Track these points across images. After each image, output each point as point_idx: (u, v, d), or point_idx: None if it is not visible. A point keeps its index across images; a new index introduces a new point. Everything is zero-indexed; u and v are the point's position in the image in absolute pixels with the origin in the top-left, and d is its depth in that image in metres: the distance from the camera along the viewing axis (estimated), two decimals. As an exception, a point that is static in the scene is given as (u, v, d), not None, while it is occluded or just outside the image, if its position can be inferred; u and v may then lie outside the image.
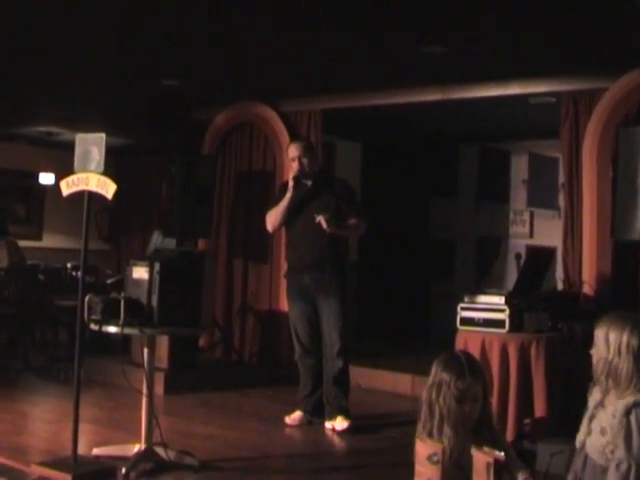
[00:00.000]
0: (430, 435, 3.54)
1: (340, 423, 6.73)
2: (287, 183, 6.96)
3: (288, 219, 6.93)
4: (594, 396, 3.58)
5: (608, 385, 3.49)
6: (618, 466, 3.31)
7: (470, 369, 3.57)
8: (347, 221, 6.79)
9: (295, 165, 6.90)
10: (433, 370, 3.64)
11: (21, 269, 9.89)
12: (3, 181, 12.62)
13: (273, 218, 6.99)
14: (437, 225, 12.45)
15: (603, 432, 3.40)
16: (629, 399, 3.38)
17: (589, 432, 3.48)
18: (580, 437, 3.54)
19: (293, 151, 6.98)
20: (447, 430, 3.52)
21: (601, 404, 3.50)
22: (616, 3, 5.72)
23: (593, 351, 3.56)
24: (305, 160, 6.88)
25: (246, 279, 9.68)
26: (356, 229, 6.92)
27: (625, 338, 3.43)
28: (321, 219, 6.59)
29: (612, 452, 3.35)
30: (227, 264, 9.75)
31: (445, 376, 3.56)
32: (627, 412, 3.36)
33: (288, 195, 6.84)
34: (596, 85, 7.45)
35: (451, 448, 3.45)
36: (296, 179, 6.84)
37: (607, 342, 3.47)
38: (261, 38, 6.94)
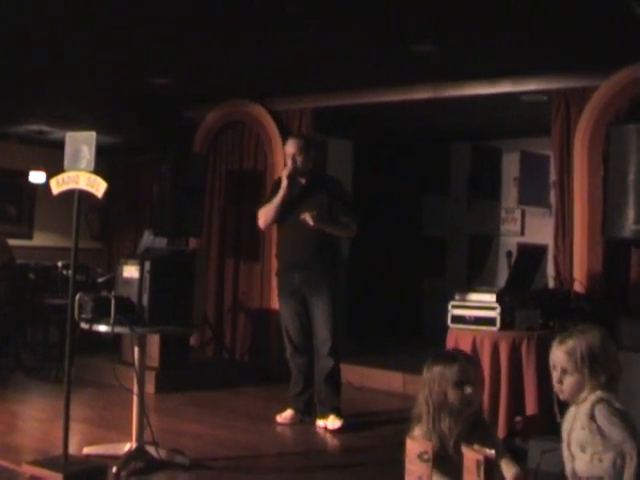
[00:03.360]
0: (428, 433, 3.58)
1: (332, 422, 6.73)
2: (280, 179, 6.95)
3: (280, 217, 6.92)
4: (565, 425, 3.54)
5: (574, 402, 3.50)
6: (614, 464, 3.30)
7: (461, 354, 3.64)
8: (339, 220, 6.79)
9: (289, 162, 6.89)
10: (424, 373, 3.68)
11: (11, 268, 9.87)
12: (-6, 179, 12.61)
13: (265, 215, 6.98)
14: (429, 223, 12.45)
15: (583, 449, 3.38)
16: (586, 405, 3.37)
17: (573, 458, 3.45)
18: (568, 466, 3.50)
19: (289, 148, 6.95)
20: (445, 420, 3.56)
21: (571, 428, 3.48)
22: (607, 2, 5.73)
23: (558, 376, 3.53)
24: (300, 159, 6.86)
25: (237, 278, 9.67)
26: (346, 229, 6.91)
27: (579, 350, 3.43)
28: (306, 216, 6.59)
29: (600, 460, 3.33)
30: (218, 263, 9.75)
31: (437, 369, 3.64)
32: (591, 416, 3.35)
33: (281, 193, 6.82)
34: (587, 83, 7.46)
35: (453, 438, 3.50)
36: (289, 177, 6.83)
37: (569, 360, 3.45)
38: (252, 37, 6.93)
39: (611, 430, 3.29)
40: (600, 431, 3.31)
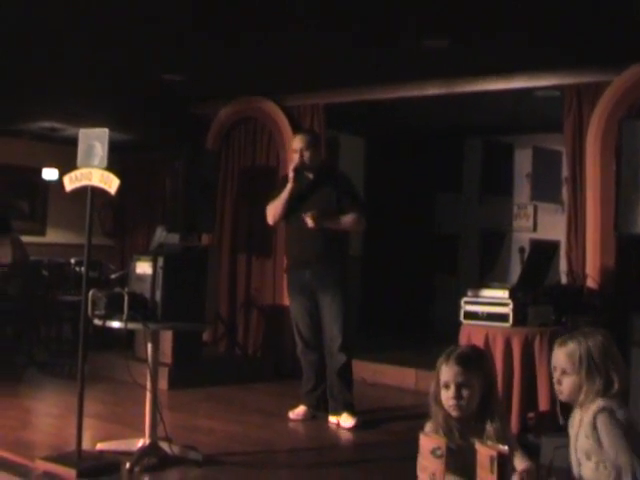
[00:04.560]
0: (435, 427, 3.60)
1: (346, 420, 6.72)
2: (287, 176, 6.95)
3: (288, 212, 6.92)
4: (571, 430, 3.53)
5: (575, 407, 3.48)
6: (613, 476, 3.28)
7: (459, 356, 3.60)
8: (346, 216, 6.79)
9: (296, 157, 6.90)
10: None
11: (24, 265, 9.91)
12: (7, 177, 12.65)
13: (274, 210, 6.97)
14: (441, 219, 12.44)
15: (588, 457, 3.36)
16: (589, 413, 3.36)
17: (579, 464, 3.44)
18: (575, 470, 3.49)
19: (296, 143, 6.96)
20: (439, 417, 3.58)
21: (577, 434, 3.46)
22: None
23: (557, 377, 3.52)
24: (307, 153, 6.86)
25: (250, 274, 9.69)
26: (353, 224, 6.89)
27: (578, 353, 3.41)
28: (307, 217, 6.62)
29: (606, 468, 3.31)
30: (231, 259, 9.76)
31: (438, 363, 3.64)
32: (594, 426, 3.32)
33: (288, 187, 6.83)
34: (600, 78, 7.44)
35: (456, 433, 3.51)
36: (296, 171, 6.84)
37: (568, 363, 3.44)
38: (264, 32, 6.93)
39: (607, 442, 3.28)
40: (600, 442, 3.31)
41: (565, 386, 3.47)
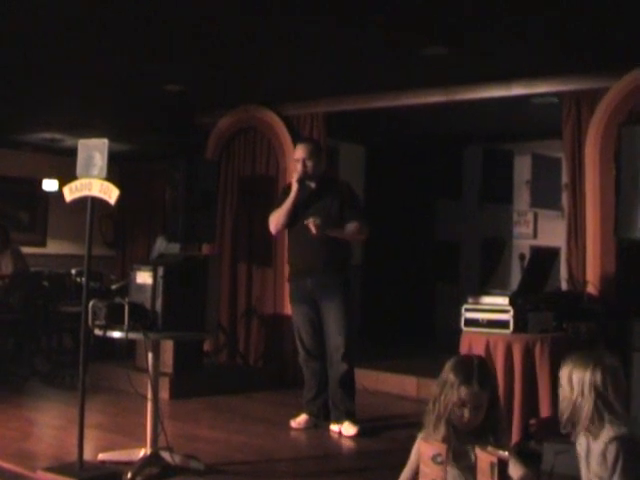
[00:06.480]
0: (428, 428, 3.59)
1: (347, 428, 6.72)
2: (290, 185, 6.96)
3: (291, 221, 6.93)
4: (580, 443, 3.51)
5: (578, 427, 3.46)
6: None
7: (479, 377, 3.57)
8: (348, 224, 6.80)
9: (299, 167, 6.90)
10: (445, 367, 3.66)
11: (25, 276, 9.91)
12: (7, 188, 12.68)
13: (276, 220, 6.98)
14: (441, 226, 12.45)
15: None
16: (600, 443, 3.32)
17: None
18: None
19: (298, 153, 6.96)
20: (442, 428, 3.55)
21: (588, 455, 3.43)
22: (618, 2, 5.73)
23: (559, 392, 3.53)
24: (309, 163, 6.87)
25: (250, 283, 9.68)
26: (356, 232, 6.90)
27: (587, 377, 3.39)
28: (310, 223, 6.60)
29: None
30: (231, 268, 9.75)
31: (452, 377, 3.59)
32: (604, 456, 3.29)
33: (291, 196, 6.84)
34: (598, 84, 7.45)
35: (451, 445, 3.49)
36: (299, 181, 6.85)
37: (570, 382, 3.43)
38: (263, 42, 6.94)
39: (619, 473, 3.25)
40: (612, 471, 3.27)
41: (562, 400, 3.47)
